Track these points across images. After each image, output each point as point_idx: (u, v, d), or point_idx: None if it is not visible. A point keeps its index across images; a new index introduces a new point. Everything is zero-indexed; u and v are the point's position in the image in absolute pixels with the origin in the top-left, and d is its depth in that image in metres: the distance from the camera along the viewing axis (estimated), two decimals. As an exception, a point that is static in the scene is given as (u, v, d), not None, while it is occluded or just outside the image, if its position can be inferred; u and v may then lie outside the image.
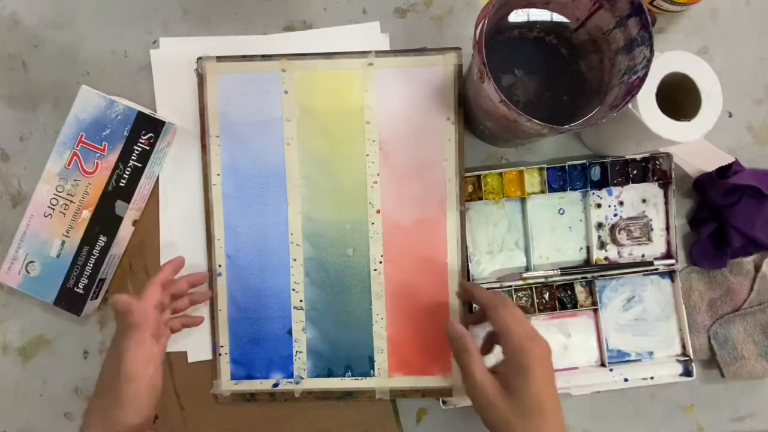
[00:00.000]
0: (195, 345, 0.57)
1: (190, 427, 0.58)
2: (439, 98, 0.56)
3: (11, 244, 0.55)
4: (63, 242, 0.55)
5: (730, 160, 0.53)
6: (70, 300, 0.55)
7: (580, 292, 0.58)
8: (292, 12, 0.59)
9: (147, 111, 0.55)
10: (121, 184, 0.54)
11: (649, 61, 0.43)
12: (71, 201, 0.55)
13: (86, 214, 0.55)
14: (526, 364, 0.42)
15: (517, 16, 0.51)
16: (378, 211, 0.56)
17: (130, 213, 0.55)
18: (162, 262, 0.57)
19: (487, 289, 0.57)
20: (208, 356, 0.57)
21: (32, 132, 0.58)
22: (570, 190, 0.57)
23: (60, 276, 0.55)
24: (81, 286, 0.55)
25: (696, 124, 0.49)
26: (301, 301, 0.57)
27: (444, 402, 0.56)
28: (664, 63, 0.48)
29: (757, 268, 0.57)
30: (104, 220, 0.55)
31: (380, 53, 0.56)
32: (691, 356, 0.57)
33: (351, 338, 0.57)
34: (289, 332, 0.57)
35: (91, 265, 0.55)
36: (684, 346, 0.57)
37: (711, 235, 0.57)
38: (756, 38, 0.60)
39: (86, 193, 0.54)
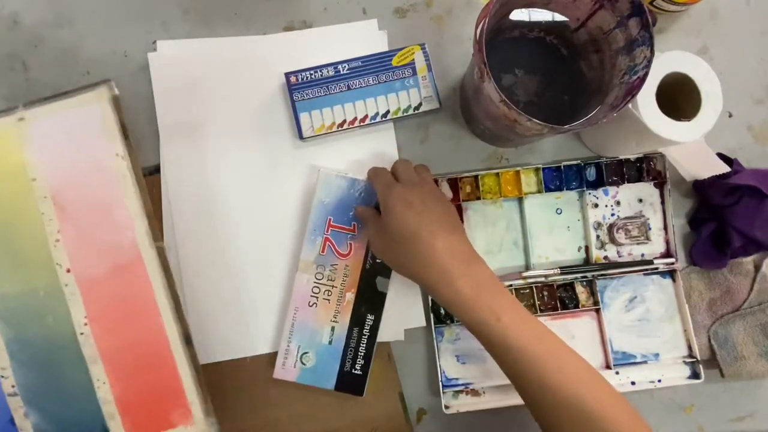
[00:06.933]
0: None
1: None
2: (102, 136, 0.52)
3: (280, 338, 0.55)
4: (333, 328, 0.55)
5: (726, 169, 0.53)
6: (349, 383, 0.55)
7: (581, 292, 0.58)
8: (292, 12, 0.59)
9: None
10: (377, 260, 0.55)
11: (650, 61, 0.43)
12: (333, 286, 0.55)
13: (350, 297, 0.55)
14: (388, 205, 0.49)
15: (517, 15, 0.51)
16: (68, 270, 0.51)
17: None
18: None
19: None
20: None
21: (32, 132, 0.58)
22: (566, 189, 0.57)
23: (335, 361, 0.55)
24: (358, 367, 0.55)
25: (696, 124, 0.49)
26: (13, 386, 0.51)
27: (446, 407, 0.56)
28: (664, 63, 0.48)
29: (757, 268, 0.57)
30: (368, 299, 0.55)
31: (29, 104, 0.52)
32: (698, 357, 0.56)
33: (78, 412, 0.51)
34: (12, 422, 0.51)
35: (364, 345, 0.55)
36: (690, 347, 0.57)
37: (711, 235, 0.57)
38: (756, 38, 0.60)
39: (346, 275, 0.55)
